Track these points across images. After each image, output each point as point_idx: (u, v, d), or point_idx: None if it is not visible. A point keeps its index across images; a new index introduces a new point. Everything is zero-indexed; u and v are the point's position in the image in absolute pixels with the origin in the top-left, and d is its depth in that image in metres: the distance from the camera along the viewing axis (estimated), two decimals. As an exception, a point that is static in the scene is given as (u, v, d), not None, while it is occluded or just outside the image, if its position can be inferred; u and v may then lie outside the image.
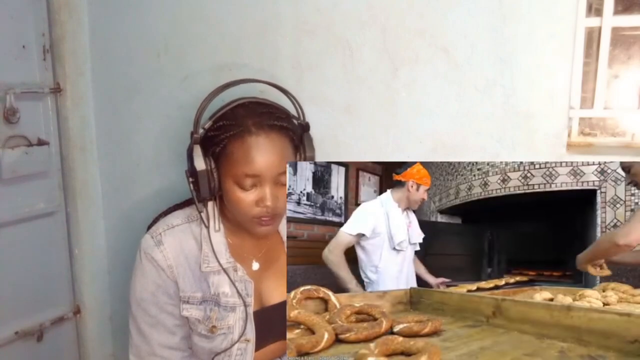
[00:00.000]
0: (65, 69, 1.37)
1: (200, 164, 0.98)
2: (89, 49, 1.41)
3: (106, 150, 1.46)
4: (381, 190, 3.15)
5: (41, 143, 1.35)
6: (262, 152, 0.95)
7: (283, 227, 1.13)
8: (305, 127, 1.06)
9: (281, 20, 1.21)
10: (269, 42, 1.23)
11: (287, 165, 0.99)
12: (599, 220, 2.05)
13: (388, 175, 3.19)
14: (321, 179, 2.73)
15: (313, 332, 0.83)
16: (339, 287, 1.61)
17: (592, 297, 1.21)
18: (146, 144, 1.41)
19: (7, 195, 1.30)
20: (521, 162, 2.26)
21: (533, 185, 2.26)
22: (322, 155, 1.14)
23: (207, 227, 1.04)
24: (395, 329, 0.86)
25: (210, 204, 1.05)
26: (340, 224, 2.88)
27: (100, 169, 1.48)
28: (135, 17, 1.34)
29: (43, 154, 1.35)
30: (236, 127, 0.96)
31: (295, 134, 1.03)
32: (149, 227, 1.09)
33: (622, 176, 1.92)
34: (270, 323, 1.08)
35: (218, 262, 1.04)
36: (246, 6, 1.23)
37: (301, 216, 2.62)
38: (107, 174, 1.48)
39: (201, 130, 0.99)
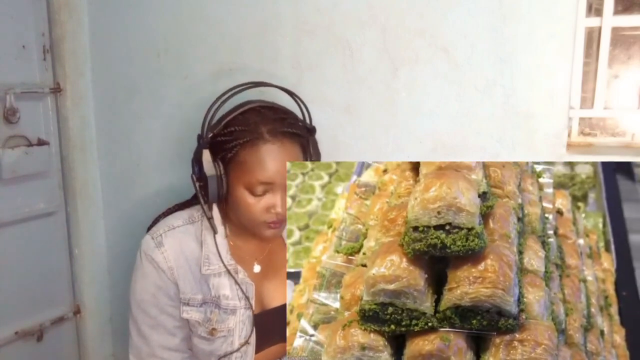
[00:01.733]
0: (65, 69, 1.37)
1: (210, 169, 0.96)
2: (89, 49, 1.41)
3: (106, 150, 1.46)
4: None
5: (41, 143, 1.35)
6: (276, 159, 0.95)
7: (284, 229, 1.13)
8: (312, 131, 1.06)
9: (281, 20, 1.21)
10: (269, 42, 1.23)
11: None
12: (599, 220, 2.05)
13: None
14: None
15: None
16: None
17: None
18: (146, 144, 1.41)
19: (7, 195, 1.30)
20: (521, 162, 2.25)
21: (533, 185, 2.25)
22: (322, 155, 1.13)
23: (216, 233, 1.03)
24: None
25: (214, 206, 1.04)
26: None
27: (100, 169, 1.48)
28: (135, 17, 1.34)
29: (43, 154, 1.34)
30: (249, 133, 0.95)
31: (305, 139, 1.03)
32: (149, 228, 1.08)
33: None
34: (270, 326, 1.07)
35: (219, 264, 1.03)
36: (246, 6, 1.23)
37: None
38: (107, 174, 1.48)
39: (210, 135, 0.97)
